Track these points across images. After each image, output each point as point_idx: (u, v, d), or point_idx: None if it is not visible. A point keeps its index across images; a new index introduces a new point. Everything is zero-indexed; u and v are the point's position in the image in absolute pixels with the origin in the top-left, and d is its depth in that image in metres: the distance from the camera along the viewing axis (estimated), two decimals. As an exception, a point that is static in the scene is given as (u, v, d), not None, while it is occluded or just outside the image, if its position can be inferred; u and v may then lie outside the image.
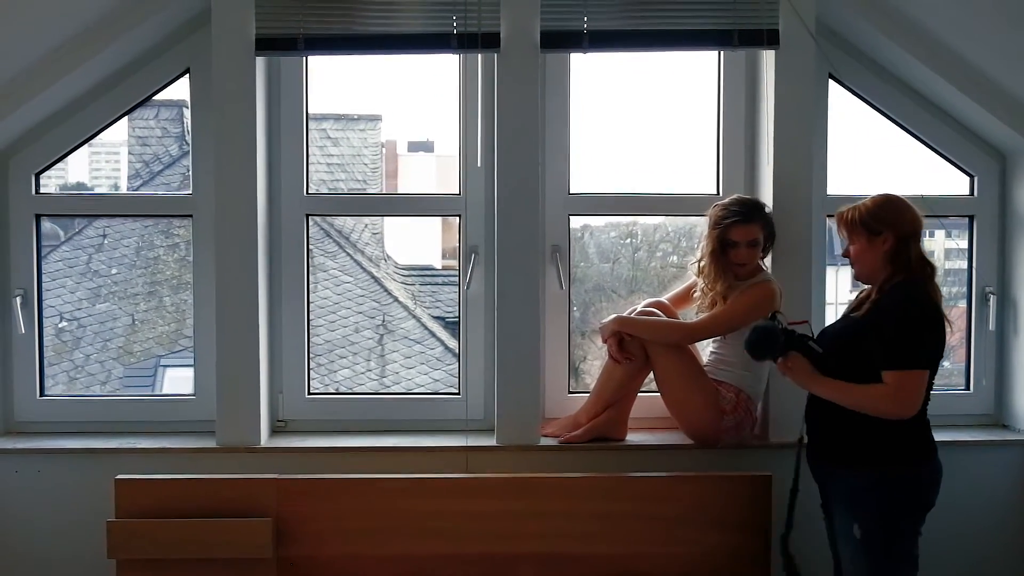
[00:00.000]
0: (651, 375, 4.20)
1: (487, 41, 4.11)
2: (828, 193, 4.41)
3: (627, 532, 3.93)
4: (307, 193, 4.43)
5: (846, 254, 3.54)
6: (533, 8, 4.08)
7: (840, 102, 4.41)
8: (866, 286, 3.58)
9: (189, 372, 4.46)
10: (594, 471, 4.07)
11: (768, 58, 4.21)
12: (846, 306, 3.68)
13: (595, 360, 4.69)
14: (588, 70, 4.45)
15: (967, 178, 4.51)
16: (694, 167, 4.51)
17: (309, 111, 4.44)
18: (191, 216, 4.38)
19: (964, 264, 4.55)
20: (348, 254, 5.01)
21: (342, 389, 4.68)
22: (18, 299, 4.34)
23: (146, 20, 4.08)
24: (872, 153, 4.57)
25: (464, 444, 4.21)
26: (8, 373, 4.38)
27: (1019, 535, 4.27)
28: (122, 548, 3.85)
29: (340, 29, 4.12)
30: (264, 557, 3.85)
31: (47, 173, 4.43)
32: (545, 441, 4.23)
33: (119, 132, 4.66)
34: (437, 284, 5.07)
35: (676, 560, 3.93)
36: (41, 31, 3.97)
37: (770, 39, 4.12)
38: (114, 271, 4.87)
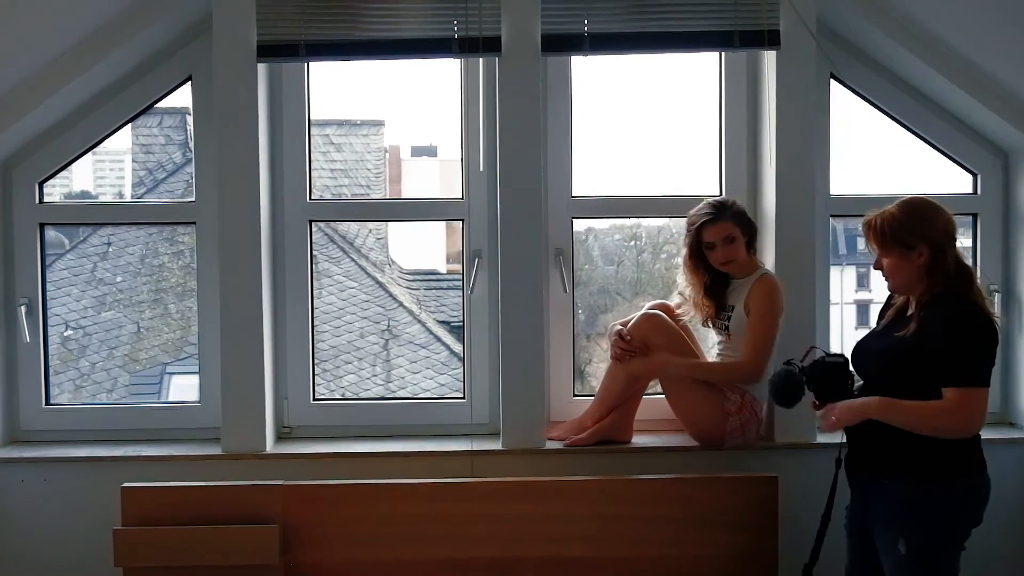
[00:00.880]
0: (655, 378, 4.21)
1: (488, 45, 4.11)
2: (831, 193, 4.40)
3: (633, 534, 3.93)
4: (310, 199, 4.43)
5: (878, 266, 3.39)
6: (534, 11, 4.09)
7: (842, 102, 4.41)
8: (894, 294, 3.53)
9: (195, 379, 4.47)
10: (600, 474, 4.07)
11: (769, 59, 4.21)
12: (878, 316, 3.58)
13: (600, 363, 4.69)
14: (589, 73, 4.46)
15: (970, 176, 4.51)
16: (696, 169, 4.51)
17: (312, 117, 4.45)
18: (194, 223, 4.39)
19: (968, 263, 4.53)
20: (352, 259, 5.02)
21: (348, 395, 4.68)
22: (23, 308, 4.35)
23: (148, 28, 4.09)
24: (875, 152, 4.57)
25: (469, 448, 4.22)
26: (13, 382, 4.39)
27: (1027, 534, 4.27)
28: (128, 556, 3.86)
29: (341, 35, 4.12)
30: (271, 564, 3.85)
31: (52, 182, 4.43)
32: (550, 445, 4.23)
33: (123, 140, 4.67)
34: (442, 288, 5.07)
35: (683, 562, 3.93)
36: (43, 40, 3.98)
37: (771, 40, 4.12)
38: (119, 279, 4.87)
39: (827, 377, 3.41)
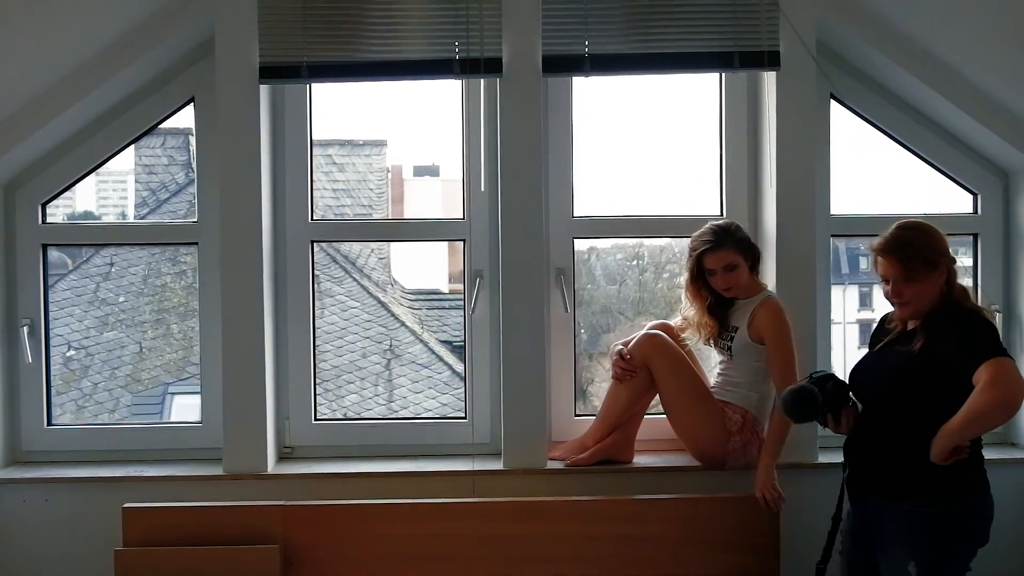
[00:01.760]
0: (657, 397, 4.20)
1: (489, 66, 4.13)
2: (832, 213, 4.40)
3: (635, 555, 3.92)
4: (312, 219, 4.44)
5: (897, 294, 3.34)
6: (534, 33, 4.11)
7: (842, 122, 4.41)
8: (888, 316, 3.54)
9: (197, 400, 4.47)
10: (601, 494, 4.06)
11: (769, 79, 4.22)
12: (872, 339, 3.61)
13: (602, 383, 4.69)
14: (590, 93, 4.47)
15: (971, 196, 4.51)
16: (697, 188, 4.51)
17: (314, 137, 4.47)
18: (197, 244, 4.40)
19: (969, 282, 4.54)
20: (355, 279, 5.02)
21: (350, 414, 4.68)
22: (25, 328, 4.35)
23: (151, 49, 4.11)
24: (875, 172, 4.57)
25: (471, 468, 4.21)
26: (15, 402, 4.39)
27: (1029, 554, 4.26)
28: (130, 576, 3.86)
29: (343, 56, 4.14)
30: (272, 584, 3.85)
31: (55, 202, 4.45)
32: (552, 464, 4.23)
33: (126, 161, 4.69)
34: (444, 308, 5.07)
35: (685, 582, 3.93)
36: (47, 62, 4.00)
37: (771, 61, 4.13)
38: (121, 299, 4.88)
39: (840, 394, 3.44)
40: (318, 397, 4.50)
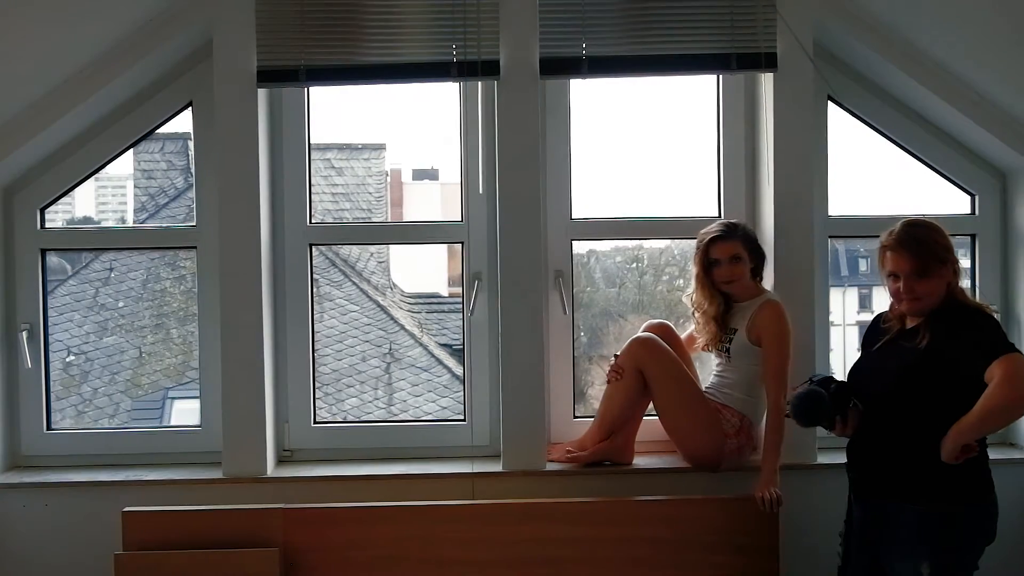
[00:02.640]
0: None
1: (487, 69, 4.14)
2: (829, 214, 4.41)
3: (634, 556, 3.92)
4: (310, 223, 4.45)
5: (908, 289, 3.34)
6: (532, 35, 4.11)
7: (840, 123, 4.42)
8: (882, 316, 3.56)
9: (197, 404, 4.47)
10: (600, 496, 4.06)
11: (767, 81, 4.22)
12: (866, 339, 3.61)
13: (602, 385, 4.69)
14: (588, 95, 4.47)
15: (968, 197, 4.51)
16: (695, 190, 4.52)
17: (312, 141, 4.47)
18: (196, 248, 4.40)
19: (967, 283, 4.54)
20: (354, 283, 5.03)
21: (350, 418, 4.68)
22: (24, 333, 4.36)
23: (149, 54, 4.12)
24: (873, 173, 4.58)
25: (470, 470, 4.22)
26: (15, 408, 4.39)
27: (1029, 555, 4.26)
28: (130, 580, 3.86)
29: (341, 60, 4.15)
30: (271, 587, 3.85)
31: (54, 207, 4.45)
32: (551, 466, 4.22)
33: (124, 166, 4.70)
34: (443, 311, 5.08)
35: (684, 584, 3.93)
36: (45, 67, 4.00)
37: (768, 62, 4.14)
38: (121, 304, 4.88)
39: (843, 396, 3.44)
40: (317, 400, 4.50)
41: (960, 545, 3.30)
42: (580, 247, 4.56)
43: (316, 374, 4.50)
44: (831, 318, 4.59)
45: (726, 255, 4.06)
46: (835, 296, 4.68)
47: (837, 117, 4.42)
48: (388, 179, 5.06)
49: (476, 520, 3.95)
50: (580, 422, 4.44)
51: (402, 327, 5.04)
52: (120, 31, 4.04)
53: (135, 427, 4.69)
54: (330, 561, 3.90)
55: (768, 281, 4.22)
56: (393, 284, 5.14)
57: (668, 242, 4.79)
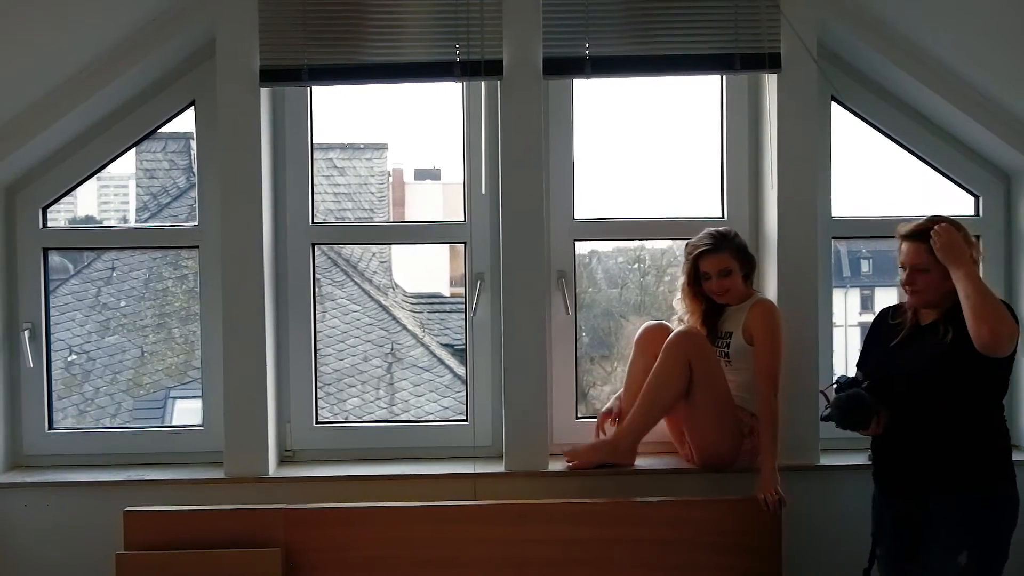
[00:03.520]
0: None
1: (490, 69, 4.13)
2: (833, 215, 4.39)
3: (637, 557, 3.91)
4: (312, 222, 4.44)
5: (928, 280, 3.43)
6: (535, 35, 4.11)
7: (844, 124, 4.41)
8: (888, 312, 3.60)
9: (199, 403, 4.47)
10: (602, 497, 4.06)
11: (770, 81, 4.22)
12: (875, 334, 3.65)
13: (604, 385, 4.70)
14: (591, 95, 4.47)
15: (972, 198, 4.50)
16: (698, 191, 4.51)
17: (315, 141, 4.46)
18: (198, 247, 4.40)
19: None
20: (356, 283, 5.03)
21: (351, 418, 4.68)
22: (26, 333, 4.35)
23: (152, 54, 4.11)
24: (877, 174, 4.57)
25: (472, 471, 4.21)
26: (17, 407, 4.38)
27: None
28: (131, 580, 3.85)
29: (343, 59, 4.14)
30: (273, 587, 3.85)
31: (56, 207, 4.45)
32: (553, 467, 4.22)
33: (127, 165, 4.70)
34: (445, 312, 5.08)
35: (687, 585, 3.92)
36: (47, 67, 4.00)
37: (772, 63, 4.13)
38: (123, 303, 4.88)
39: (879, 396, 3.48)
40: (319, 400, 4.50)
41: (996, 531, 3.35)
42: (582, 247, 4.55)
43: (318, 374, 4.50)
44: (833, 319, 4.58)
45: (715, 269, 4.05)
46: (837, 297, 4.67)
47: (841, 118, 4.41)
48: (390, 179, 5.06)
49: (477, 521, 3.94)
50: (582, 423, 4.43)
51: (404, 327, 5.04)
52: (123, 30, 4.04)
53: (137, 427, 4.69)
54: (332, 561, 3.90)
55: (771, 282, 4.21)
56: (395, 284, 5.14)
57: (670, 242, 4.77)
